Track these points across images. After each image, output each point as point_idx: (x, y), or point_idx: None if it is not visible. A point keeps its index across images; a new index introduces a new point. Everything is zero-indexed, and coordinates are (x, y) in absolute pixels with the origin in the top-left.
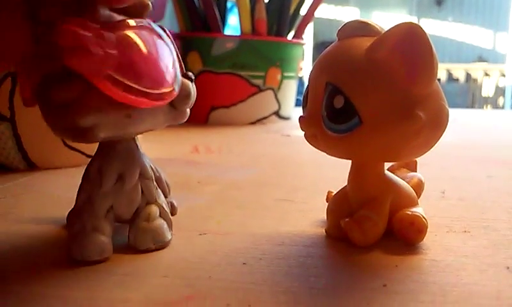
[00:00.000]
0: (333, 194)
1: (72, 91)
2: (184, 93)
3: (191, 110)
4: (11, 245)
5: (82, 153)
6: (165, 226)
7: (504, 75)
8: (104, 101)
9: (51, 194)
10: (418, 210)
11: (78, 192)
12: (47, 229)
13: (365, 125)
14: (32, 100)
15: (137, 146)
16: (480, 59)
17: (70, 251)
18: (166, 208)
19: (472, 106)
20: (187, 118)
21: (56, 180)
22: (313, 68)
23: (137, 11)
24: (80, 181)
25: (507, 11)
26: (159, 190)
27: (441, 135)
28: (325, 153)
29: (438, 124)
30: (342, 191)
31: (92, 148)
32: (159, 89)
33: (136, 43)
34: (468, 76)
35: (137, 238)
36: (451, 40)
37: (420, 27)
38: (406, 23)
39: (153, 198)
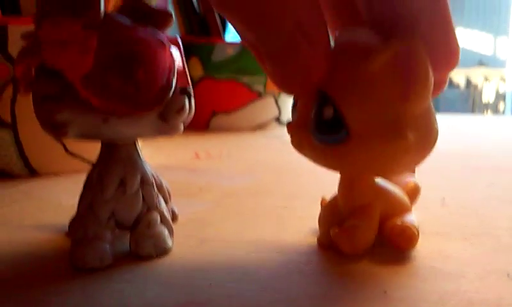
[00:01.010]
0: (327, 200)
1: (52, 86)
2: (176, 107)
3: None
4: (12, 251)
5: (84, 159)
6: (166, 232)
7: (504, 80)
8: (80, 101)
9: (52, 201)
10: (410, 217)
11: (80, 198)
12: (48, 236)
13: (352, 139)
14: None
15: (139, 153)
16: (481, 64)
17: (71, 257)
18: (167, 215)
19: (472, 112)
20: (179, 132)
21: (57, 187)
22: None
23: (160, 22)
24: (82, 187)
25: (507, 16)
26: (160, 196)
27: (429, 154)
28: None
29: (427, 144)
30: (333, 199)
31: (93, 155)
32: (138, 99)
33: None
34: (468, 81)
35: (139, 244)
36: None
37: (415, 43)
38: (400, 39)
39: (154, 205)
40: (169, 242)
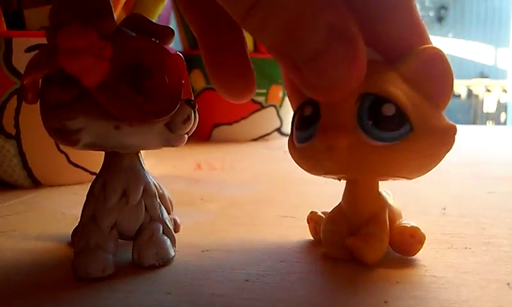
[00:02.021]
0: (317, 213)
1: (66, 93)
2: (182, 118)
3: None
4: (16, 261)
5: (86, 170)
6: (168, 242)
7: (505, 91)
8: (94, 107)
9: (55, 211)
10: (410, 222)
11: (83, 208)
12: (52, 246)
13: (415, 132)
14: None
15: (141, 163)
16: (482, 75)
17: (74, 267)
18: (169, 225)
19: (473, 122)
20: (184, 142)
21: (60, 197)
22: None
23: (162, 38)
24: (85, 198)
25: (507, 27)
26: (162, 207)
27: (446, 153)
28: (332, 173)
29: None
30: (337, 210)
31: (96, 166)
32: (150, 108)
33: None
34: (469, 92)
35: (141, 254)
36: (452, 56)
37: (443, 51)
38: (431, 46)
39: (156, 215)
40: (172, 251)
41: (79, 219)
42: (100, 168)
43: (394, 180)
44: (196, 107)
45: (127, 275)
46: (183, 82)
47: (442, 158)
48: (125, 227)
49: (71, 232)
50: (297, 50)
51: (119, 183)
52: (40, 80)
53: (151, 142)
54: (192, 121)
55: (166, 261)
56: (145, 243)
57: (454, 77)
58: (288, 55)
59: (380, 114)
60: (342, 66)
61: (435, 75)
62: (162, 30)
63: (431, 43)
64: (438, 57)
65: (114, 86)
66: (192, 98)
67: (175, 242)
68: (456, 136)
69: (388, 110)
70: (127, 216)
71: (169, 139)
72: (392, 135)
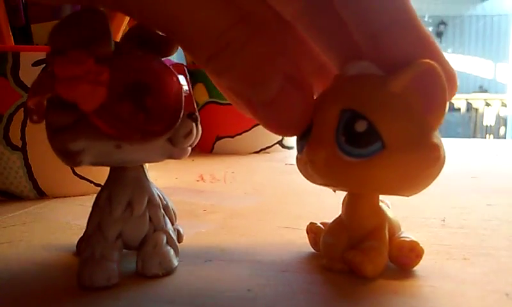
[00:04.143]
0: (317, 224)
1: (67, 117)
2: (184, 132)
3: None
4: (21, 271)
5: (91, 181)
6: (172, 252)
7: (505, 105)
8: (94, 129)
9: (60, 222)
10: (409, 235)
11: (88, 219)
12: (57, 256)
13: (387, 150)
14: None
15: (146, 175)
16: (481, 89)
17: (79, 276)
18: (172, 236)
19: (473, 136)
20: (187, 155)
21: (65, 208)
22: (321, 97)
23: (164, 49)
24: (91, 208)
25: (506, 42)
26: (166, 217)
27: (440, 170)
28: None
29: (444, 159)
30: (337, 222)
31: (100, 177)
32: (151, 127)
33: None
34: (469, 106)
35: (145, 264)
36: None
37: (436, 66)
38: (424, 61)
39: (160, 225)
40: (175, 261)
41: (84, 230)
42: (104, 179)
43: (383, 194)
44: (198, 120)
45: (131, 285)
46: (184, 95)
47: (433, 176)
48: (130, 237)
49: (76, 242)
50: (255, 95)
51: (124, 195)
52: (45, 101)
53: (153, 157)
54: (194, 135)
55: (169, 270)
56: (149, 253)
57: (446, 93)
58: (246, 98)
59: (352, 130)
60: (295, 113)
61: (426, 90)
62: (166, 40)
63: (440, 57)
64: (429, 73)
65: (112, 107)
66: (195, 112)
67: (178, 252)
68: (442, 155)
69: (360, 126)
70: (131, 227)
71: (172, 153)
72: (362, 152)
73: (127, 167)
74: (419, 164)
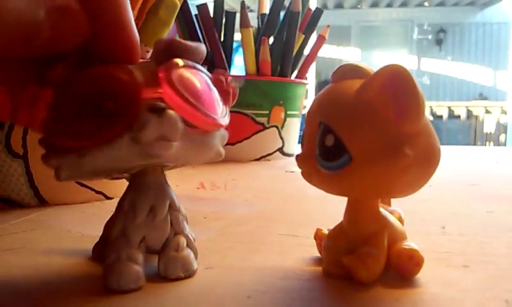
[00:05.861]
0: (323, 230)
1: (42, 140)
2: (140, 126)
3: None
4: (23, 278)
5: (92, 189)
6: (192, 255)
7: (505, 112)
8: (55, 146)
9: (62, 229)
10: (412, 243)
11: (111, 224)
12: (58, 263)
13: (354, 162)
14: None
15: (166, 180)
16: (481, 97)
17: (106, 280)
18: (191, 238)
19: (473, 143)
20: (168, 150)
21: (66, 216)
22: (309, 109)
23: (197, 54)
24: (114, 213)
25: (506, 50)
26: (184, 221)
27: (432, 173)
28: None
29: (427, 162)
30: (338, 228)
31: (102, 185)
32: (102, 129)
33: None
34: (469, 113)
35: (168, 267)
36: (452, 78)
37: (404, 68)
38: (391, 65)
39: (180, 229)
40: (195, 264)
41: (100, 235)
42: (104, 187)
43: (365, 199)
44: (163, 108)
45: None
46: (160, 91)
47: (423, 178)
48: (152, 241)
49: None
50: None
51: (147, 200)
52: None
53: (125, 159)
54: (155, 127)
55: (190, 273)
56: (171, 256)
57: (420, 96)
58: None
59: (323, 144)
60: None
61: (396, 96)
62: (193, 48)
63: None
64: (396, 77)
65: (55, 122)
66: (160, 103)
67: (197, 255)
68: (411, 161)
69: (329, 140)
70: (154, 231)
71: (144, 151)
72: (332, 165)
73: (148, 172)
74: (388, 174)
